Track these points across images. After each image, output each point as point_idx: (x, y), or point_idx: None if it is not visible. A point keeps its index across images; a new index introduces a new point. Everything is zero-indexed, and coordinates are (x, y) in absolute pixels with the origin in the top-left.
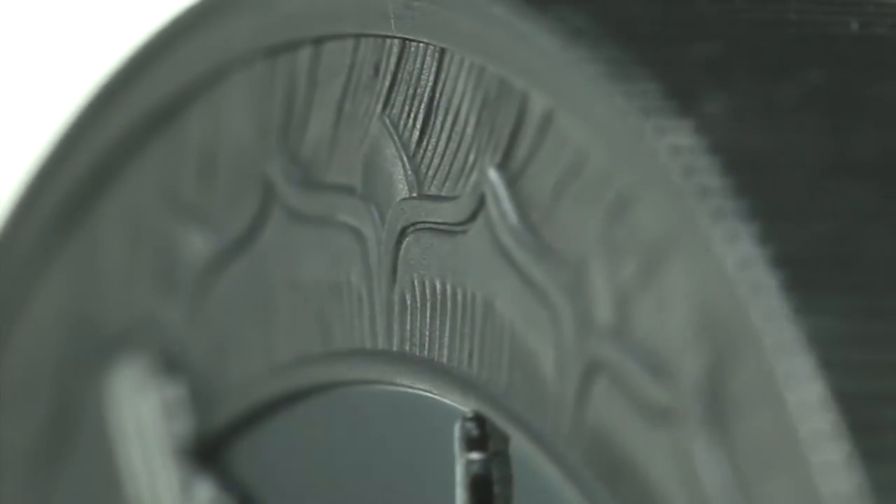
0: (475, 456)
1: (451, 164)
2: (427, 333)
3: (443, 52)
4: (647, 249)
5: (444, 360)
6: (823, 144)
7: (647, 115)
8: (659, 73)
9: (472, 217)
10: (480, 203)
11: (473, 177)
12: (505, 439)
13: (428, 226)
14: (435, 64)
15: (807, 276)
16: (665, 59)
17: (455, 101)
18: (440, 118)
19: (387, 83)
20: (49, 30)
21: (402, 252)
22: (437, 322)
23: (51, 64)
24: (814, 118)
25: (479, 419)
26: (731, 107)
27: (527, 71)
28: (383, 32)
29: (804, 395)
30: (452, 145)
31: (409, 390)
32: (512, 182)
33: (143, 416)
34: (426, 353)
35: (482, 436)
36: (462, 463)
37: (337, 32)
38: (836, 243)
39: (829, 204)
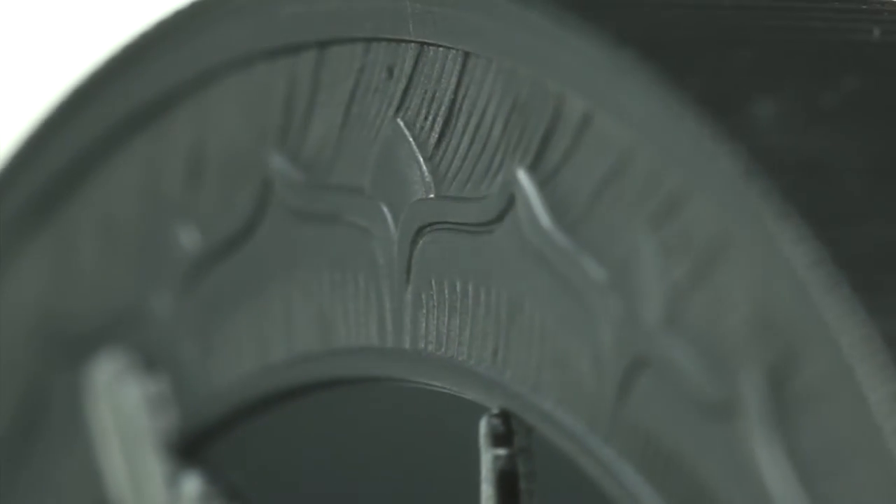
0: (501, 452)
1: (475, 166)
2: (445, 332)
3: (467, 55)
4: (701, 248)
5: (464, 357)
6: (871, 147)
7: (703, 119)
8: (709, 78)
9: (499, 218)
10: (509, 204)
11: (499, 178)
12: (528, 435)
13: (448, 226)
14: (458, 67)
15: (874, 276)
16: (712, 64)
17: (480, 104)
18: (463, 120)
19: (402, 86)
20: (35, 23)
21: (417, 251)
22: (457, 320)
23: (32, 57)
24: (858, 122)
25: (504, 415)
26: (781, 111)
27: (565, 75)
28: (399, 36)
29: (885, 393)
30: (476, 147)
31: (421, 388)
32: (544, 184)
33: (123, 411)
34: (443, 351)
35: (508, 432)
36: (488, 458)
37: (347, 36)
38: None
39: (887, 206)
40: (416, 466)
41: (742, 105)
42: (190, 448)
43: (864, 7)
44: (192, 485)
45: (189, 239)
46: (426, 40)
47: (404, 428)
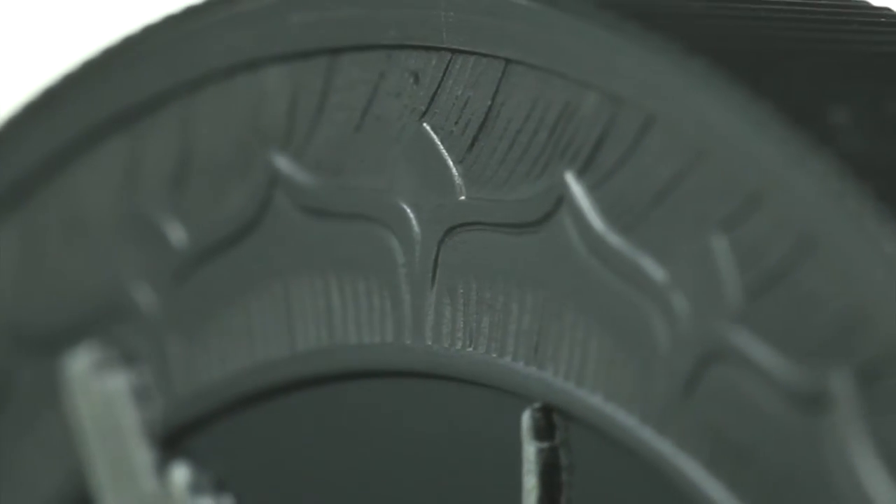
0: (544, 444)
1: (513, 169)
2: (475, 328)
3: (508, 61)
4: (783, 248)
5: (498, 354)
6: None
7: (788, 125)
8: (783, 86)
9: (545, 219)
10: (556, 206)
11: (543, 181)
12: (567, 429)
13: (482, 226)
14: (498, 73)
15: None
16: (781, 73)
17: (522, 109)
18: (501, 124)
19: (430, 90)
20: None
21: (445, 250)
22: (492, 318)
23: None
24: None
25: (545, 409)
26: (856, 118)
27: (623, 83)
28: (427, 43)
29: None
30: (516, 151)
31: (435, 383)
32: (595, 187)
33: (102, 401)
34: (473, 347)
35: (549, 425)
36: (532, 451)
37: (367, 43)
38: None
39: None
40: (421, 461)
41: (820, 111)
42: (176, 439)
43: (883, 20)
44: (181, 474)
45: (177, 236)
46: (462, 48)
47: (412, 423)
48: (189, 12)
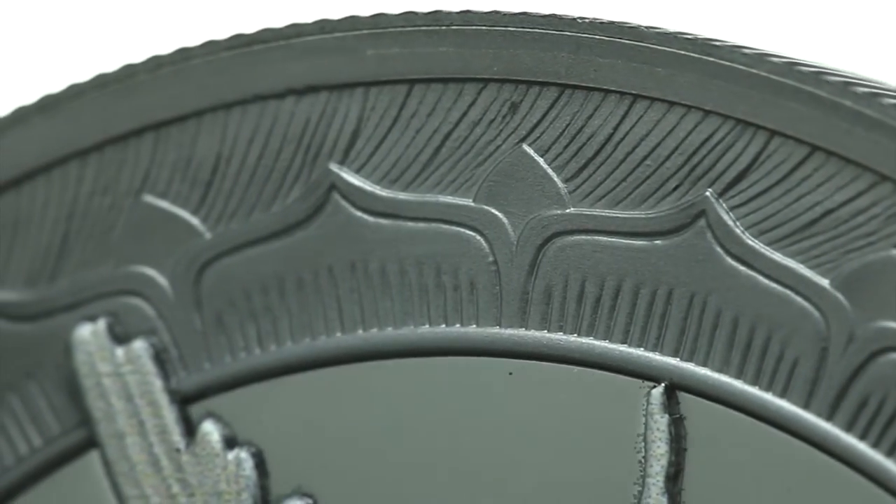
0: (673, 416)
1: (636, 188)
2: (581, 316)
3: (636, 96)
4: None
5: (606, 339)
6: None
7: None
8: None
9: (677, 230)
10: (693, 220)
11: (673, 199)
12: (678, 404)
13: (595, 234)
14: (622, 107)
15: None
16: None
17: (653, 138)
18: (624, 149)
19: (533, 118)
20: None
21: (549, 251)
22: (600, 308)
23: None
24: None
25: (670, 387)
26: None
27: (786, 120)
28: (541, 79)
29: None
30: (640, 173)
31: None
32: (741, 205)
33: (127, 363)
34: (577, 333)
35: (675, 401)
36: (664, 422)
37: (463, 76)
38: None
39: None
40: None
41: None
42: (191, 403)
43: None
44: (213, 429)
45: (200, 228)
46: (582, 84)
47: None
48: (237, 39)
